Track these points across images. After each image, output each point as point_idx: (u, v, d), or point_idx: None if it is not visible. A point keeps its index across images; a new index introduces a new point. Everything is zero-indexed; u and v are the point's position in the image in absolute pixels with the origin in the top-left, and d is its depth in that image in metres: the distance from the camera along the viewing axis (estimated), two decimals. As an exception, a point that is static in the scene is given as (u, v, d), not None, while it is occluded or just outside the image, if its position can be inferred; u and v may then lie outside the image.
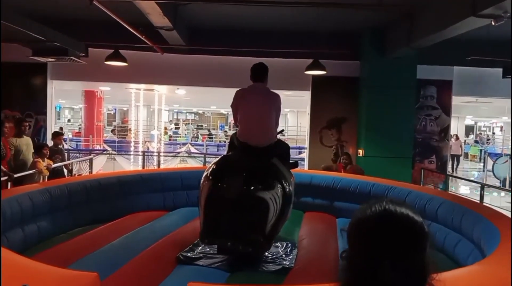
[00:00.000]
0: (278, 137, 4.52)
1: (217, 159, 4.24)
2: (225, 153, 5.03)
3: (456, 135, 18.45)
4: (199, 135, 27.10)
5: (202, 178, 3.94)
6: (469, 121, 27.36)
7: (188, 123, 30.92)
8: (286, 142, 5.81)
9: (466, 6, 5.47)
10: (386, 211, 1.01)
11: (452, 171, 16.17)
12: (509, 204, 7.53)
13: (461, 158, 19.06)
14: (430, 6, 6.67)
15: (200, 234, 3.81)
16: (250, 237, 3.67)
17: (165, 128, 15.70)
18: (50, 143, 8.10)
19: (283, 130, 7.78)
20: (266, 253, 4.17)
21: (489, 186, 9.99)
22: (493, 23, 5.33)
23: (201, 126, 31.92)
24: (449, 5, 6.12)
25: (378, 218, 1.00)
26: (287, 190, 3.95)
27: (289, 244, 4.51)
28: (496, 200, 9.22)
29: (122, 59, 8.22)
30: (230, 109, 4.49)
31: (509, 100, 10.97)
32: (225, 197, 3.72)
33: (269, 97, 4.23)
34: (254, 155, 4.08)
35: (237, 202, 3.68)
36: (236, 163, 4.08)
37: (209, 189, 3.79)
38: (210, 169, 3.99)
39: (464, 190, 12.30)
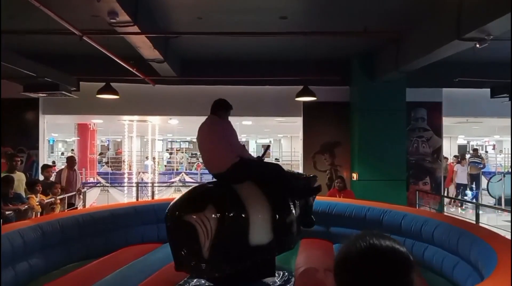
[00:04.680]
0: (263, 158, 4.80)
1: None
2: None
3: (457, 157, 14.50)
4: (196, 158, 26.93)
5: None
6: (461, 140, 27.51)
7: (182, 152, 30.83)
8: (276, 162, 5.90)
9: (451, 30, 5.59)
10: (370, 245, 1.00)
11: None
12: (506, 223, 7.52)
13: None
14: (416, 31, 6.81)
15: None
16: (189, 262, 3.79)
17: (154, 158, 15.56)
18: (41, 177, 8.02)
19: (269, 147, 7.65)
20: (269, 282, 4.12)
21: (484, 205, 10.00)
22: (477, 46, 5.44)
23: (195, 154, 31.81)
24: (434, 30, 6.26)
25: (363, 253, 0.99)
26: (228, 213, 3.82)
27: (286, 274, 4.46)
28: (492, 220, 9.20)
29: (114, 92, 8.22)
30: None
31: (499, 119, 11.14)
32: (167, 225, 3.92)
33: (215, 126, 4.31)
34: (219, 180, 4.27)
35: (173, 227, 3.87)
36: (199, 190, 4.30)
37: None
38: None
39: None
